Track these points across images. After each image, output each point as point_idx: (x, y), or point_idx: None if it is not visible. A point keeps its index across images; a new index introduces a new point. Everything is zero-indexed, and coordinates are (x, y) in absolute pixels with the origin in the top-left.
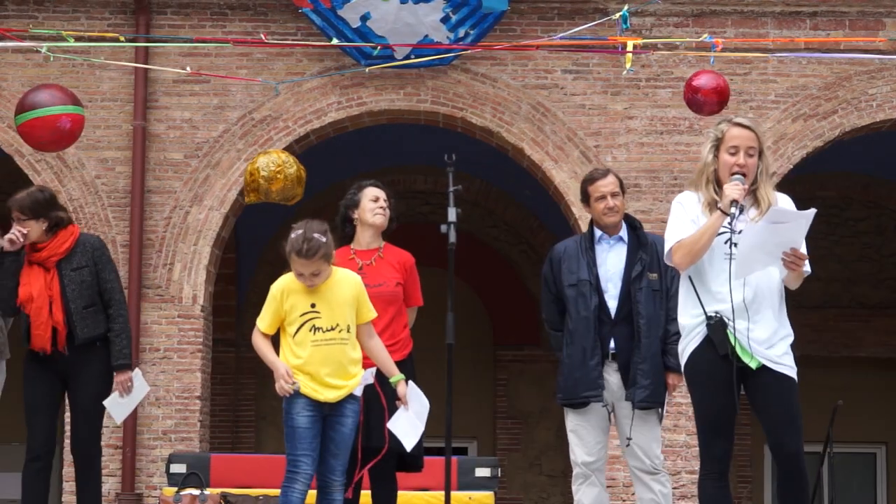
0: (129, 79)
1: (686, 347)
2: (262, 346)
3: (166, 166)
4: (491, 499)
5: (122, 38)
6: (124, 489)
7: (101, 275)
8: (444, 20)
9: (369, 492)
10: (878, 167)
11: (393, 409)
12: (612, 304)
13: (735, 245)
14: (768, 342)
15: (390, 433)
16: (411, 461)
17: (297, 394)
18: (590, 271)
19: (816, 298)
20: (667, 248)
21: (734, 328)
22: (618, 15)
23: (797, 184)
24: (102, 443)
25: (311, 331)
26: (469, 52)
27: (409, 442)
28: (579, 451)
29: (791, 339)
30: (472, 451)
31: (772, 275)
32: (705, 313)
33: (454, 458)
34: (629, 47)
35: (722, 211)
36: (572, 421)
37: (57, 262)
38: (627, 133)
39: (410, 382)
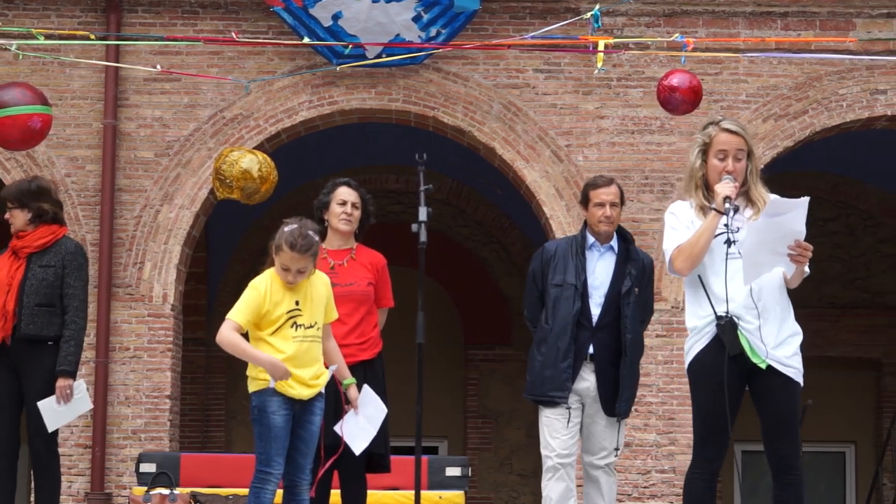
0: (99, 77)
1: (692, 347)
2: (239, 340)
3: (137, 165)
4: (461, 498)
5: (92, 37)
6: (93, 489)
7: (66, 279)
8: (416, 19)
9: (339, 491)
10: (848, 167)
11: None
12: (596, 311)
13: (734, 243)
14: (776, 340)
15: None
16: (378, 461)
17: (273, 392)
18: (577, 276)
19: (789, 294)
20: (666, 259)
21: (743, 328)
22: (589, 14)
23: (767, 184)
24: (72, 442)
25: (292, 327)
26: (441, 51)
27: (357, 446)
28: (554, 444)
29: (800, 338)
30: (443, 451)
31: (774, 272)
32: (715, 313)
33: (424, 458)
34: (601, 47)
35: (716, 210)
36: (547, 414)
37: (29, 255)
38: (599, 132)
39: (366, 387)
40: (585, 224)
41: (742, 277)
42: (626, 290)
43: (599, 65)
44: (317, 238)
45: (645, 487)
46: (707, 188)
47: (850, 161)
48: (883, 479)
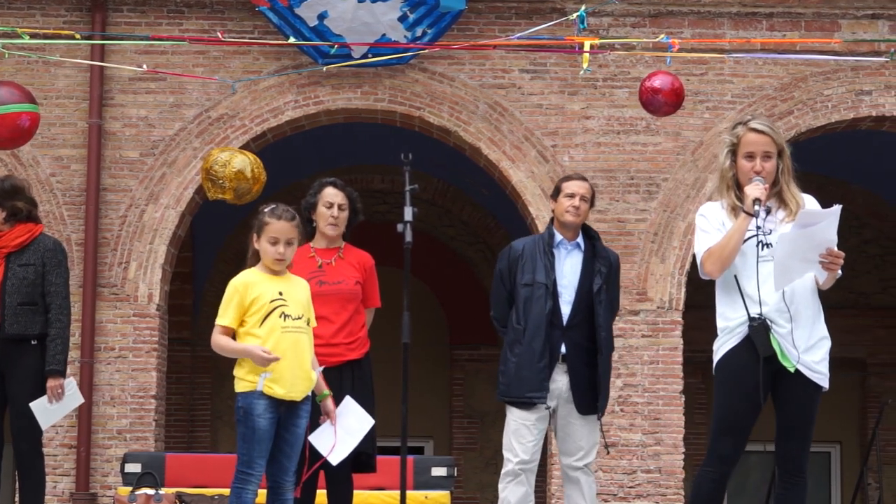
0: (84, 76)
1: (722, 346)
2: (225, 340)
3: (122, 164)
4: (447, 498)
5: (77, 36)
6: (78, 489)
7: (47, 276)
8: (402, 19)
9: (324, 491)
10: (833, 168)
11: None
12: (566, 309)
13: (767, 246)
14: (807, 344)
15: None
16: (365, 462)
17: (260, 394)
18: (547, 275)
19: None
20: (697, 262)
21: (776, 331)
22: (575, 15)
23: None
24: (57, 442)
25: (280, 317)
26: (426, 51)
27: (334, 457)
28: (518, 448)
29: (829, 342)
30: (429, 451)
31: (806, 275)
32: (748, 315)
33: (410, 458)
34: (586, 47)
35: (746, 212)
36: (515, 419)
37: (7, 255)
38: (584, 133)
39: (348, 398)
40: (552, 222)
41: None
42: (598, 289)
43: (585, 65)
44: (296, 214)
45: (630, 487)
46: (739, 188)
47: (835, 162)
48: (868, 479)
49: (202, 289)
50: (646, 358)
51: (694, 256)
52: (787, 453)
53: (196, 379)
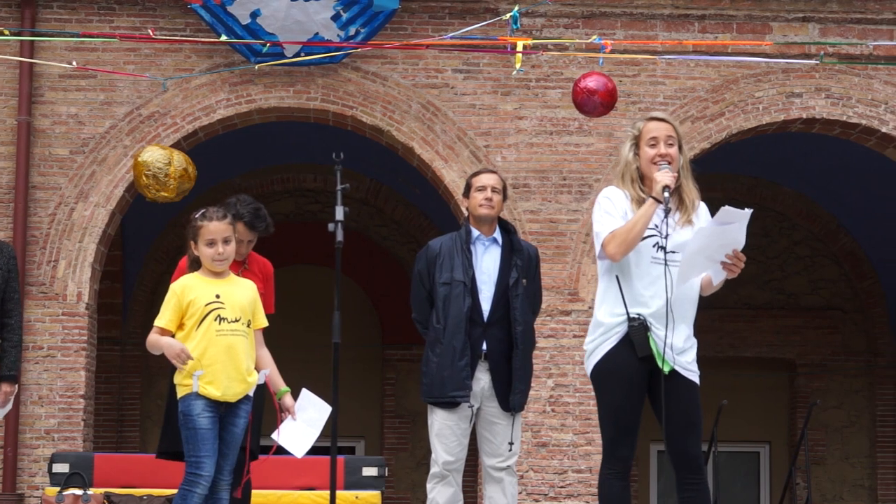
0: (13, 73)
1: (600, 346)
2: (154, 337)
3: (51, 162)
4: (378, 498)
5: (6, 32)
6: (5, 489)
7: (10, 283)
8: (335, 18)
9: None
10: (764, 169)
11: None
12: (486, 306)
13: (662, 249)
14: (681, 349)
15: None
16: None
17: (197, 395)
18: (465, 272)
19: (702, 299)
20: (598, 242)
21: (654, 333)
22: (508, 15)
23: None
24: None
25: (216, 320)
26: (359, 50)
27: (299, 450)
28: (441, 451)
29: (696, 346)
30: (360, 451)
31: (692, 283)
32: (628, 314)
33: (340, 458)
34: (519, 47)
35: (654, 198)
36: (438, 420)
37: None
38: (517, 133)
39: (305, 391)
40: (468, 219)
41: (664, 283)
42: (514, 282)
43: (518, 65)
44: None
45: (561, 487)
46: (642, 181)
47: (765, 163)
48: (797, 479)
49: (132, 288)
50: (577, 358)
51: None
52: (684, 453)
53: (125, 378)
